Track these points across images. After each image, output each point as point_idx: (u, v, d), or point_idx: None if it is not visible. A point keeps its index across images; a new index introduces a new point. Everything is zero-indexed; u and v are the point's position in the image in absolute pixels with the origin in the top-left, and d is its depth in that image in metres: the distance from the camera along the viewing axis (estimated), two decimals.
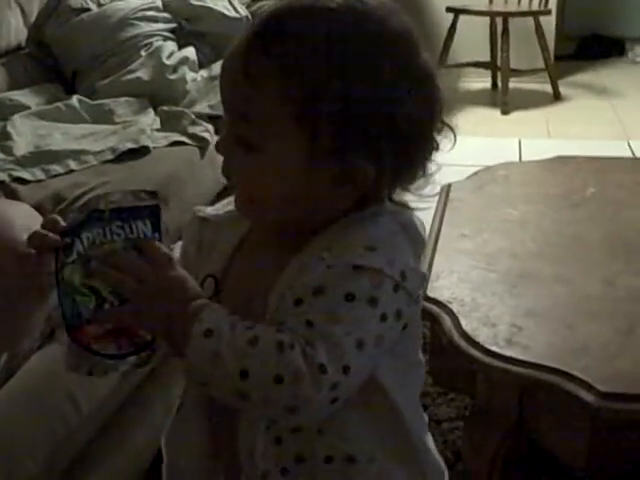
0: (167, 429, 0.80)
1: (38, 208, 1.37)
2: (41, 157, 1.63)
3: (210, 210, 0.79)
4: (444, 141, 0.73)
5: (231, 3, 2.27)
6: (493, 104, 4.02)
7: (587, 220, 1.48)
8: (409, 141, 0.69)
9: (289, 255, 0.69)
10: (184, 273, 0.67)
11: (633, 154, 3.25)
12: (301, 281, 0.66)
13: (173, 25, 2.20)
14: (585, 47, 5.21)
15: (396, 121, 0.67)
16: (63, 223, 0.69)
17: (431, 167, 0.72)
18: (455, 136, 0.73)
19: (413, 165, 0.71)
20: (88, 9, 2.18)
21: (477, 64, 4.22)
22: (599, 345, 1.09)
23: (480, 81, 4.31)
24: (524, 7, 4.16)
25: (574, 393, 1.00)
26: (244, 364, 0.62)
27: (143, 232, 0.67)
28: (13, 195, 1.51)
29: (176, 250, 0.82)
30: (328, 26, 0.67)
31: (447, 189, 1.60)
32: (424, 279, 0.72)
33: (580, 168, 1.77)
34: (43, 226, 0.69)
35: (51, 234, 0.68)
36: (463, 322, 1.13)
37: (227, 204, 0.77)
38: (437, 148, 0.72)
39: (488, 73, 4.35)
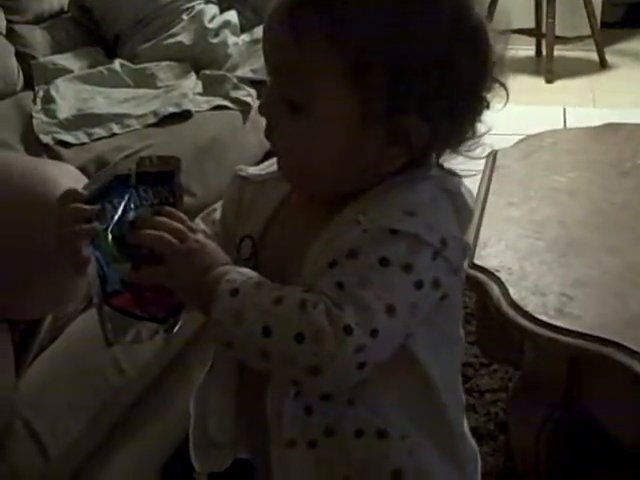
0: (196, 389, 0.79)
1: (82, 171, 1.38)
2: (84, 120, 1.63)
3: (252, 170, 0.78)
4: (495, 101, 0.70)
5: None
6: (537, 72, 3.94)
7: (637, 189, 1.44)
8: (462, 99, 0.67)
9: (328, 217, 0.67)
10: (209, 242, 0.68)
11: None
12: (336, 243, 0.65)
13: None
14: (632, 14, 5.07)
15: (449, 78, 0.65)
16: (84, 192, 0.68)
17: (481, 128, 0.70)
18: (508, 93, 0.70)
19: (464, 124, 0.68)
20: None
21: (521, 31, 4.13)
22: None
23: (524, 48, 4.22)
24: None
25: (626, 364, 0.98)
26: (266, 321, 0.62)
27: (165, 196, 0.68)
28: (57, 158, 1.51)
29: (216, 209, 0.81)
30: None
31: (494, 156, 1.57)
32: (468, 249, 0.70)
33: (630, 136, 1.72)
34: (65, 197, 0.68)
35: (80, 204, 0.67)
36: (511, 291, 1.11)
37: (269, 165, 0.76)
38: (488, 107, 0.69)
39: (532, 40, 4.26)
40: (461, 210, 0.68)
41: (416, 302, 0.63)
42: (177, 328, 0.70)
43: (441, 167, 0.71)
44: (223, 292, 0.64)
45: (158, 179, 0.68)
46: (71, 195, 0.68)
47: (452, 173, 0.71)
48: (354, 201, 0.67)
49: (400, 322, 0.63)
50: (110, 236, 0.66)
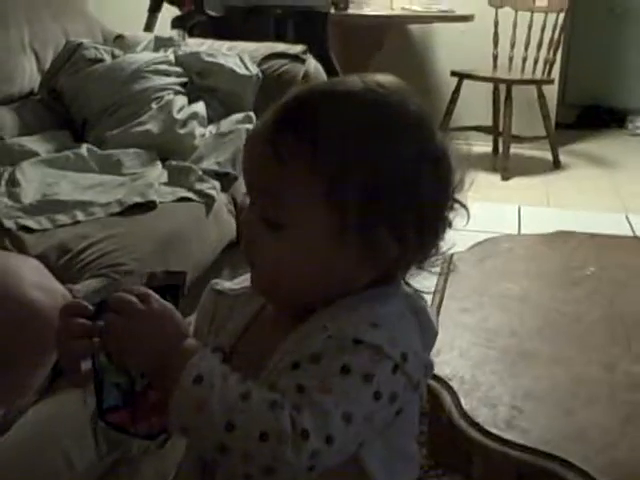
0: None
1: (43, 258, 1.38)
2: (48, 206, 1.63)
3: (227, 284, 0.81)
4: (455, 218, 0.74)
5: (242, 60, 2.30)
6: (494, 169, 4.06)
7: (586, 299, 1.49)
8: (429, 218, 0.71)
9: (298, 323, 0.70)
10: (171, 307, 0.68)
11: (631, 227, 3.28)
12: (301, 346, 0.67)
13: (184, 79, 2.23)
14: (586, 117, 5.29)
15: (418, 199, 0.70)
16: (89, 306, 0.69)
17: (443, 245, 0.74)
18: (468, 214, 0.75)
19: (429, 242, 0.73)
20: (102, 60, 2.22)
21: (479, 128, 4.28)
22: (598, 432, 1.09)
23: (482, 145, 4.36)
24: (527, 75, 4.24)
25: None
26: (232, 417, 0.62)
27: None
28: (19, 243, 1.51)
29: (190, 323, 0.83)
30: (353, 109, 0.70)
31: (449, 260, 1.61)
32: (429, 367, 0.72)
33: (581, 245, 1.79)
34: (67, 310, 0.69)
35: (85, 321, 0.68)
36: (463, 401, 1.13)
37: (243, 280, 0.78)
38: (450, 226, 0.74)
39: (490, 138, 4.41)
40: (426, 329, 0.72)
41: (372, 413, 0.65)
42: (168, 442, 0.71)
43: (407, 284, 0.74)
44: (186, 378, 0.64)
45: (162, 293, 0.70)
46: (76, 308, 0.69)
47: (418, 292, 0.74)
48: (324, 309, 0.70)
49: (354, 431, 0.64)
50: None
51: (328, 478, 0.66)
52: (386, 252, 0.69)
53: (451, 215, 0.74)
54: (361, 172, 0.68)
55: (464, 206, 0.74)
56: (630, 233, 3.17)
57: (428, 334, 0.72)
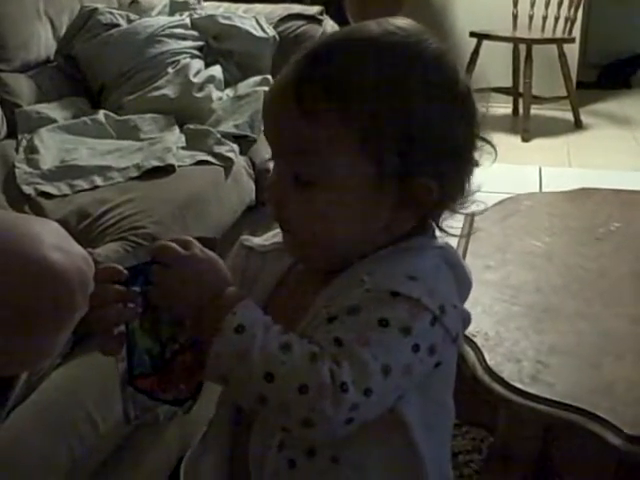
0: (187, 458, 0.79)
1: (63, 223, 1.38)
2: (67, 172, 1.63)
3: (257, 240, 0.80)
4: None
5: (258, 22, 2.28)
6: (514, 131, 4.01)
7: (611, 255, 1.47)
8: (462, 157, 0.71)
9: (333, 278, 0.69)
10: (214, 255, 0.68)
11: None
12: (338, 300, 0.66)
13: (201, 43, 2.22)
14: (607, 76, 5.20)
15: (451, 138, 0.69)
16: (124, 271, 0.67)
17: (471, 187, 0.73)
18: (496, 151, 0.74)
19: (464, 183, 0.72)
20: (117, 25, 2.20)
21: (499, 90, 4.22)
22: (625, 385, 1.07)
23: (501, 107, 4.31)
24: (548, 34, 4.16)
25: (600, 435, 0.99)
26: (272, 368, 0.62)
27: None
28: (38, 209, 1.51)
29: None
30: (376, 56, 0.68)
31: (471, 219, 1.59)
32: (467, 319, 0.71)
33: (605, 201, 1.76)
34: (102, 274, 0.67)
35: (122, 288, 0.67)
36: (487, 357, 1.12)
37: (274, 235, 0.77)
38: (477, 165, 0.73)
39: (510, 99, 4.36)
40: (462, 282, 0.71)
41: (411, 365, 0.65)
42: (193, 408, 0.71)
43: (440, 229, 0.73)
44: (227, 327, 0.64)
45: None
46: (111, 273, 0.67)
47: (449, 234, 0.73)
48: (359, 262, 0.69)
49: (393, 384, 0.64)
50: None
51: (366, 430, 0.65)
52: (428, 196, 0.68)
53: (477, 155, 0.72)
54: (393, 118, 0.67)
55: (490, 143, 0.73)
56: None
57: (464, 287, 0.71)
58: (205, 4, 2.47)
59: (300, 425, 0.63)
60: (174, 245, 0.66)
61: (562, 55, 4.09)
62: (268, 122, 0.70)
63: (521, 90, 4.08)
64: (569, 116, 4.19)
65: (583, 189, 1.86)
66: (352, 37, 0.71)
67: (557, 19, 4.17)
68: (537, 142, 3.88)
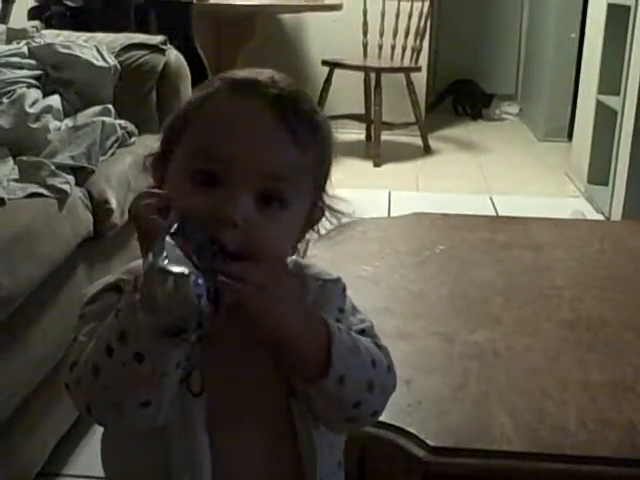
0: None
1: None
2: None
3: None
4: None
5: (99, 51, 2.27)
6: (367, 156, 4.15)
7: (432, 277, 1.55)
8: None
9: None
10: None
11: (494, 208, 3.43)
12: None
13: (38, 72, 2.18)
14: (456, 102, 5.47)
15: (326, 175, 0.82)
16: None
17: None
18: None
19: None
20: None
21: (352, 116, 4.36)
22: (433, 399, 1.14)
23: (355, 133, 4.45)
24: (396, 63, 4.35)
25: (406, 448, 1.05)
26: (372, 355, 0.77)
27: None
28: None
29: None
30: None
31: (306, 245, 1.64)
32: None
33: (433, 225, 1.86)
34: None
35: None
36: None
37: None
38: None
39: (363, 126, 4.51)
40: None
41: None
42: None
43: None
44: (334, 329, 0.74)
45: None
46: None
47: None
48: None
49: None
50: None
51: None
52: (320, 218, 0.82)
53: None
54: (329, 159, 0.80)
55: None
56: (493, 213, 3.32)
57: None
58: (45, 32, 2.44)
59: (386, 401, 0.80)
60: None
61: (410, 83, 4.28)
62: (246, 147, 0.72)
63: (373, 117, 4.24)
64: (418, 141, 4.37)
65: (415, 214, 1.96)
66: (292, 83, 0.78)
67: (404, 49, 4.37)
68: (388, 167, 4.03)
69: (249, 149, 0.72)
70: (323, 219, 0.83)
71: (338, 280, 0.86)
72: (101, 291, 0.78)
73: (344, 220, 0.84)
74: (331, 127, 0.81)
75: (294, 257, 0.83)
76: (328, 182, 0.81)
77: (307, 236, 0.83)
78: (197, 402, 0.74)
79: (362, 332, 0.80)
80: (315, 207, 0.80)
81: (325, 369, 0.72)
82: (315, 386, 0.73)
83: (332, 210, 0.82)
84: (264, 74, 0.76)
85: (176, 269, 0.63)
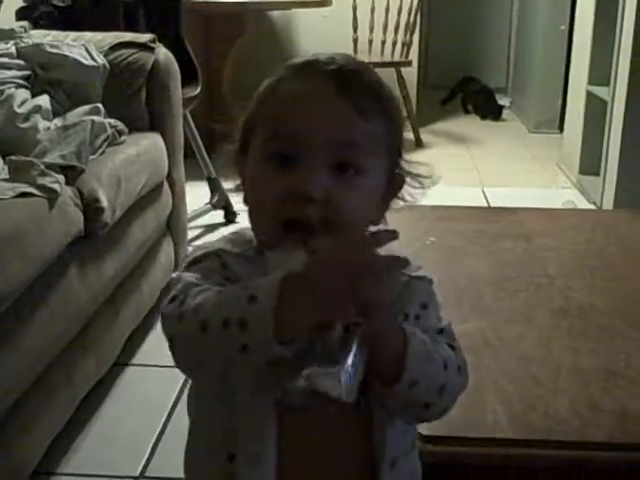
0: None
1: None
2: None
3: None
4: None
5: (88, 51, 2.26)
6: None
7: (425, 268, 1.55)
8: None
9: None
10: None
11: (487, 200, 3.43)
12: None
13: (27, 72, 2.17)
14: (448, 97, 5.47)
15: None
16: None
17: None
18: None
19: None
20: None
21: None
22: None
23: None
24: (387, 58, 4.35)
25: None
26: (444, 356, 0.77)
27: None
28: None
29: None
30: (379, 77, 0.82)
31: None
32: None
33: (424, 216, 1.86)
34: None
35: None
36: None
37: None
38: None
39: None
40: None
41: None
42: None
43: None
44: (410, 334, 0.74)
45: None
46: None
47: None
48: None
49: None
50: None
51: None
52: (401, 187, 0.83)
53: None
54: (398, 125, 0.81)
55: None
56: (486, 205, 3.32)
57: None
58: (34, 32, 2.43)
59: (453, 403, 0.79)
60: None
61: (401, 78, 4.28)
62: (305, 118, 0.75)
63: None
64: (410, 136, 4.37)
65: (406, 206, 1.96)
66: (354, 60, 0.82)
67: (395, 44, 4.37)
68: None
69: (314, 123, 0.75)
70: (406, 186, 0.85)
71: (424, 277, 0.86)
72: (203, 255, 0.79)
73: (427, 184, 0.85)
74: (397, 99, 0.83)
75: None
76: (403, 149, 0.82)
77: (393, 205, 0.85)
78: (269, 384, 0.73)
79: (441, 331, 0.81)
80: (393, 174, 0.81)
81: (398, 374, 0.73)
82: (387, 389, 0.74)
83: (412, 175, 0.84)
84: (325, 55, 0.79)
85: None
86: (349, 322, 0.69)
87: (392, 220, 1.88)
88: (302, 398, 0.68)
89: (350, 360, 0.67)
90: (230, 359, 0.69)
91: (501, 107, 5.16)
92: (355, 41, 4.43)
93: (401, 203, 0.86)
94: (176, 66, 2.43)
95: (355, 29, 4.43)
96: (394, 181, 0.82)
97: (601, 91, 3.38)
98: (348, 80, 0.76)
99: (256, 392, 0.74)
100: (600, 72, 3.40)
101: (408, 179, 0.83)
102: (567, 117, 4.07)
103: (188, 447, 0.84)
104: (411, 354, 0.73)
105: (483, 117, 5.16)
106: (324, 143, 0.75)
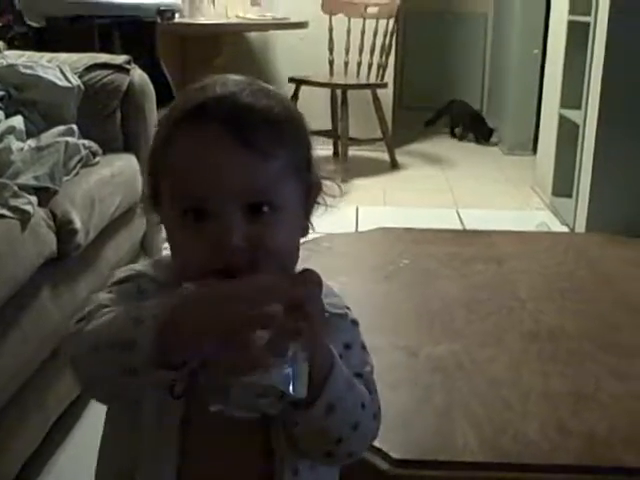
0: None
1: None
2: None
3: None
4: None
5: (62, 72, 2.26)
6: (334, 171, 4.17)
7: (398, 291, 1.56)
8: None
9: None
10: None
11: (461, 221, 3.46)
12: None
13: (1, 93, 2.17)
14: (433, 118, 5.51)
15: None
16: None
17: None
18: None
19: None
20: None
21: (319, 132, 4.38)
22: (396, 413, 1.14)
23: (323, 149, 4.47)
24: (362, 80, 4.38)
25: (371, 461, 1.05)
26: (363, 397, 0.79)
27: None
28: None
29: None
30: (278, 100, 0.79)
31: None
32: None
33: (398, 239, 1.88)
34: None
35: None
36: None
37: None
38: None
39: (330, 142, 4.53)
40: None
41: None
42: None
43: None
44: (336, 355, 0.74)
45: None
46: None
47: None
48: None
49: None
50: None
51: None
52: (319, 193, 0.82)
53: None
54: (305, 146, 0.80)
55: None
56: (460, 227, 3.35)
57: None
58: (8, 53, 2.43)
59: (367, 445, 0.83)
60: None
61: (376, 99, 4.32)
62: (214, 176, 0.73)
63: (340, 133, 4.26)
64: (386, 157, 4.41)
65: (380, 228, 1.98)
66: (252, 83, 0.80)
67: (370, 66, 4.41)
68: (356, 182, 4.06)
69: (218, 179, 0.73)
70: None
71: (344, 315, 0.85)
72: (125, 278, 0.80)
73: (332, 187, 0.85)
74: (296, 111, 0.81)
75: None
76: (312, 158, 0.81)
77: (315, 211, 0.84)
78: (175, 405, 0.74)
79: (359, 375, 0.80)
80: (309, 186, 0.80)
81: (319, 393, 0.73)
82: (303, 411, 0.73)
83: (325, 177, 0.83)
84: (216, 89, 0.77)
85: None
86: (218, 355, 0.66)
87: (367, 243, 1.89)
88: (249, 399, 0.67)
89: (290, 356, 0.67)
90: (122, 381, 0.69)
91: (491, 130, 5.20)
92: (331, 63, 4.47)
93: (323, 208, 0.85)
94: (151, 87, 2.43)
95: (331, 51, 4.46)
96: (312, 190, 0.81)
97: (573, 114, 3.43)
98: (242, 123, 0.73)
99: (160, 414, 0.75)
100: (572, 96, 3.45)
101: (324, 181, 0.83)
102: (540, 139, 4.12)
103: (97, 468, 0.84)
104: (334, 375, 0.73)
105: (477, 140, 5.20)
106: (232, 195, 0.73)
